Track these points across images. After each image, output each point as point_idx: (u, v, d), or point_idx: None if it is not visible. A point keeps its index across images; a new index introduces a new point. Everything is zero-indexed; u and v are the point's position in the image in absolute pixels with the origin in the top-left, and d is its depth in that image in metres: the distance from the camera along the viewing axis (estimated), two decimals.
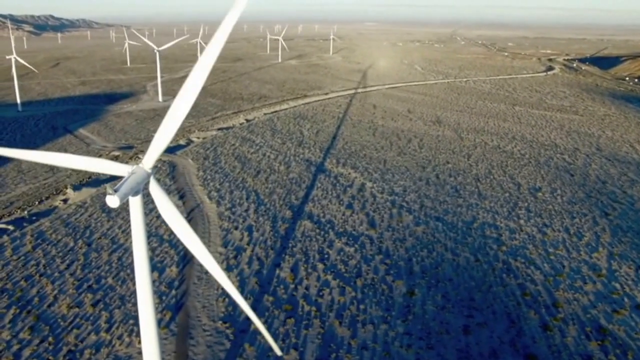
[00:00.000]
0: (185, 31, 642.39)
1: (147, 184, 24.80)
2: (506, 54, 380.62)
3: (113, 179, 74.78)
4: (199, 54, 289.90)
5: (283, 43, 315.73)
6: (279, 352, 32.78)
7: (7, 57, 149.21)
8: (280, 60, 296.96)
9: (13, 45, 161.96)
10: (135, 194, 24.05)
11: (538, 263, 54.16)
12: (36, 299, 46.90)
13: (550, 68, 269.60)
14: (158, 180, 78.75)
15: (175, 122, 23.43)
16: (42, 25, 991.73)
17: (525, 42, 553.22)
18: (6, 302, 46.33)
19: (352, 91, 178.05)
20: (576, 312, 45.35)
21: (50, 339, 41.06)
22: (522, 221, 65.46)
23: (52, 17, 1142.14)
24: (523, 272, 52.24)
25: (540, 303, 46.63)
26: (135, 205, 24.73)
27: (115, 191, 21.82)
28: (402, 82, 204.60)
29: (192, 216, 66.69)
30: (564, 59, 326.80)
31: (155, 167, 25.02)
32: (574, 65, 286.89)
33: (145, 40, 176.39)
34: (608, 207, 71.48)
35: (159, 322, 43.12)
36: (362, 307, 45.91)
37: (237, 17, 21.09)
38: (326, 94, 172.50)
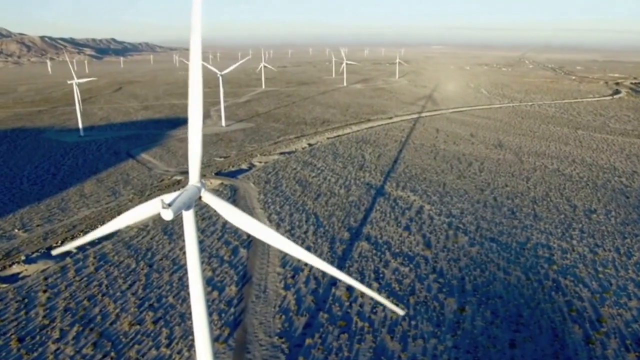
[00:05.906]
0: (251, 54, 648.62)
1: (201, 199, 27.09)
2: (573, 77, 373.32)
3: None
4: (263, 77, 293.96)
5: (347, 65, 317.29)
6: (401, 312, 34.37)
7: (69, 81, 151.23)
8: (345, 84, 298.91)
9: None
10: (187, 208, 25.96)
11: (587, 281, 55.57)
12: (99, 317, 49.14)
13: (617, 92, 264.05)
14: None
15: (196, 136, 25.93)
16: (103, 49, 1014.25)
17: (593, 66, 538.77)
18: (69, 320, 48.61)
19: (416, 115, 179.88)
20: (619, 326, 46.86)
21: (112, 354, 43.41)
22: (574, 241, 66.69)
23: (114, 40, 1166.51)
24: (571, 289, 53.79)
25: (585, 318, 48.29)
26: (189, 218, 26.63)
27: (169, 205, 23.64)
28: (467, 106, 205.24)
29: (252, 238, 68.17)
30: (632, 83, 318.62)
31: (203, 182, 27.91)
32: None
33: (209, 65, 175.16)
34: None
35: (218, 337, 45.75)
36: (413, 323, 48.05)
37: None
38: (390, 118, 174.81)
